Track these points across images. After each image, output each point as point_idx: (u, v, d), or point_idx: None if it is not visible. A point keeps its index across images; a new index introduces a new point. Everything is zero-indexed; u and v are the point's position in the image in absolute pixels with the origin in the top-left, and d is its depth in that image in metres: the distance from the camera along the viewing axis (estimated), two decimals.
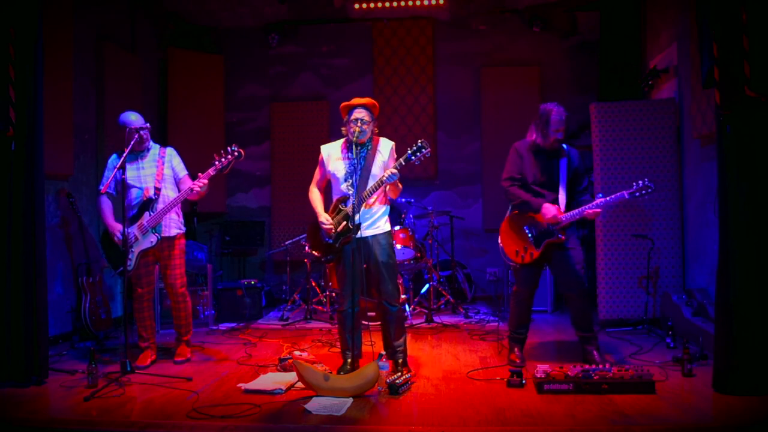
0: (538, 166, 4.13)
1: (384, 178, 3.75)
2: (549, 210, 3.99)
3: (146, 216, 4.24)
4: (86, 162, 5.87)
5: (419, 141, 3.73)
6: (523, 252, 4.10)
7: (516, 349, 4.24)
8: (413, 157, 3.73)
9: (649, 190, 3.91)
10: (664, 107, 5.47)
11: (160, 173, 4.33)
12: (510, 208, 4.30)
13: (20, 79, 3.85)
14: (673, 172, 5.39)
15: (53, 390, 3.78)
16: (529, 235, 4.11)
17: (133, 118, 4.26)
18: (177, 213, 4.45)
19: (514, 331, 4.27)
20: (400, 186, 3.94)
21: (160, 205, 4.25)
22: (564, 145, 4.16)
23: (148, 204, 4.26)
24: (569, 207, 4.09)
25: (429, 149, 3.73)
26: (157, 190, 4.29)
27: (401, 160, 3.76)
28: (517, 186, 4.14)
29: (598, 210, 3.96)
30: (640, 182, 3.95)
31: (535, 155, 4.14)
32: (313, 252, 4.13)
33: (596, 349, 4.11)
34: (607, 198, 3.97)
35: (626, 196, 3.93)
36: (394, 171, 3.73)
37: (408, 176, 6.70)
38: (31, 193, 3.92)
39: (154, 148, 4.43)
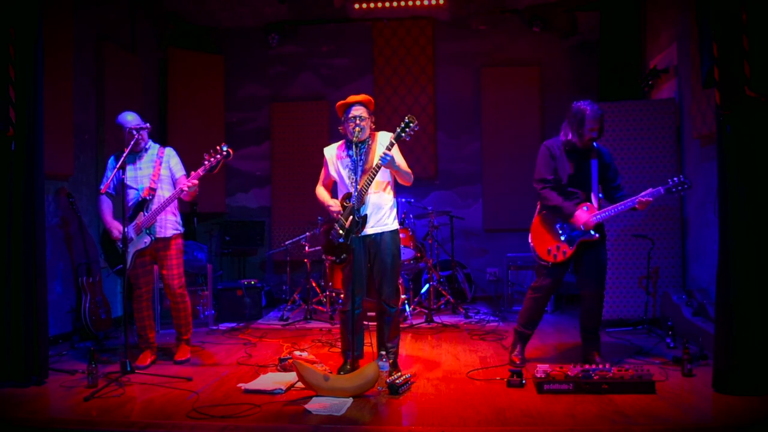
0: (573, 166, 4.05)
1: (378, 163, 3.73)
2: (581, 217, 3.95)
3: (141, 216, 4.23)
4: (86, 162, 5.87)
5: (406, 117, 3.71)
6: (556, 250, 4.03)
7: (518, 348, 4.21)
8: (403, 134, 3.71)
9: (686, 186, 3.85)
10: (664, 107, 5.48)
11: (156, 173, 4.30)
12: (539, 206, 4.22)
13: (20, 79, 3.84)
14: (673, 172, 5.38)
15: (53, 390, 3.78)
16: (561, 233, 4.04)
17: (130, 118, 4.26)
18: (174, 213, 4.42)
19: (522, 325, 4.20)
20: (408, 170, 3.92)
21: (153, 206, 4.23)
22: (595, 144, 4.08)
23: (142, 204, 4.24)
24: (604, 205, 4.08)
25: (416, 123, 3.70)
26: (152, 190, 4.26)
27: (391, 139, 3.75)
28: (549, 188, 4.06)
29: (650, 199, 3.88)
30: (676, 178, 3.89)
31: (568, 155, 4.06)
32: (327, 257, 4.10)
33: (598, 351, 4.10)
34: (646, 192, 3.90)
35: (662, 191, 3.88)
36: (386, 152, 3.71)
37: None
38: (31, 193, 3.92)
39: (153, 148, 4.41)
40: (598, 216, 3.96)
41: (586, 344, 4.14)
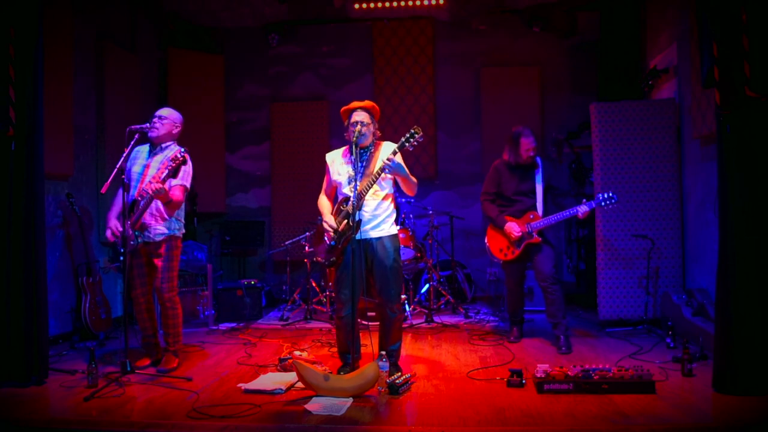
0: (517, 180, 4.80)
1: (377, 169, 3.72)
2: (512, 229, 4.70)
3: (132, 217, 4.14)
4: (86, 162, 5.86)
5: (412, 128, 3.68)
6: (506, 250, 4.82)
7: (515, 329, 4.99)
8: (407, 144, 3.68)
9: (613, 200, 4.49)
10: (664, 107, 5.48)
11: (156, 176, 4.13)
12: None
13: (20, 79, 3.84)
14: (673, 172, 5.39)
15: (53, 390, 3.78)
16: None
17: (164, 113, 4.28)
18: (164, 217, 4.23)
19: (511, 315, 5.07)
20: (413, 179, 3.90)
21: (140, 208, 4.11)
22: (538, 160, 4.84)
23: (133, 204, 4.16)
24: (549, 210, 4.79)
25: (421, 134, 3.68)
26: (144, 191, 4.09)
27: (395, 148, 3.73)
28: (489, 201, 4.90)
29: (587, 211, 4.53)
30: (605, 194, 4.51)
31: (512, 171, 4.82)
32: (318, 259, 4.10)
33: (563, 334, 4.62)
34: (581, 205, 4.56)
35: (594, 205, 4.54)
36: (391, 157, 3.68)
37: None
38: (31, 193, 3.92)
39: (170, 150, 4.25)
40: (539, 224, 4.65)
41: (553, 329, 4.73)
